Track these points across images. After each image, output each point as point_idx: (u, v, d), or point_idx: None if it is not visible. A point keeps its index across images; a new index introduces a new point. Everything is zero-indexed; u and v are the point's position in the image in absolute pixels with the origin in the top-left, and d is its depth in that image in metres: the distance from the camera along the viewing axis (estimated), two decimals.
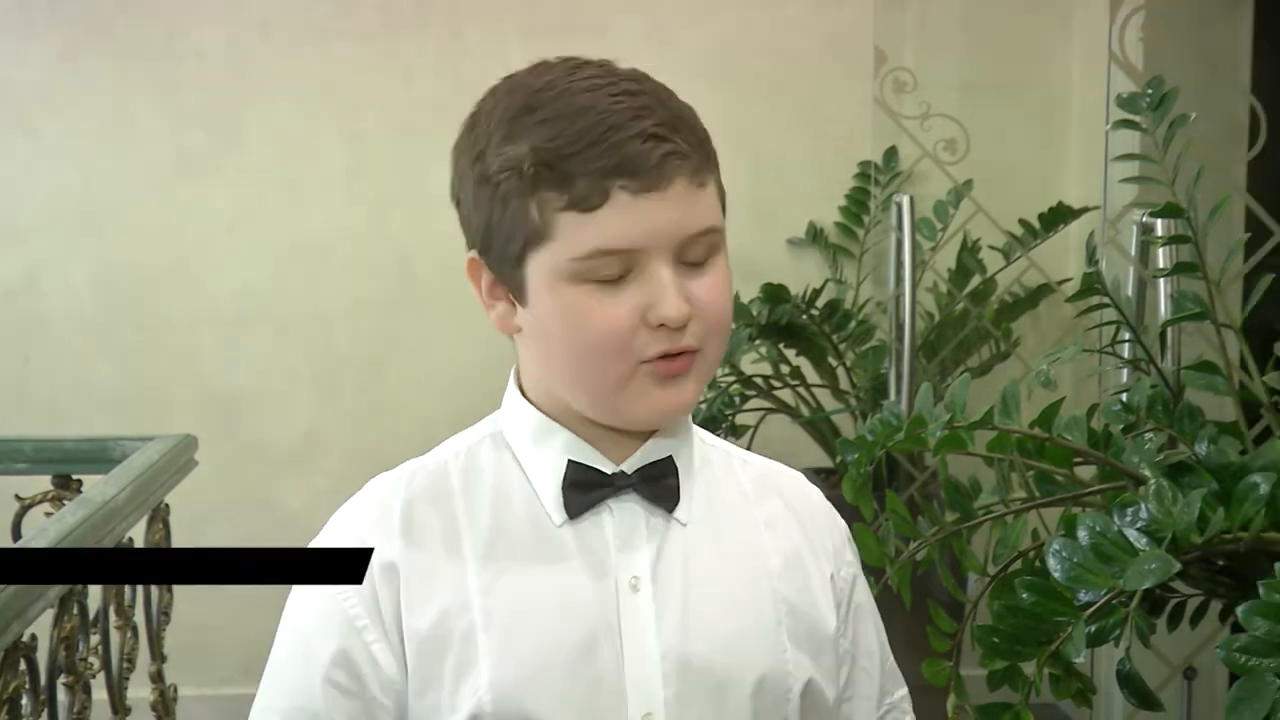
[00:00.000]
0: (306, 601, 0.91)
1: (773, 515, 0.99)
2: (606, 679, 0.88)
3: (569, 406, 0.92)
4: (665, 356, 0.86)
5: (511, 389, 0.96)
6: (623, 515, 0.92)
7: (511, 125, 0.85)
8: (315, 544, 0.94)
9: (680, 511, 0.94)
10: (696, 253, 0.87)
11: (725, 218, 0.93)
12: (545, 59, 0.90)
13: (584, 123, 0.83)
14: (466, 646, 0.87)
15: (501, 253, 0.88)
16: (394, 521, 0.91)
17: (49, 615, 1.97)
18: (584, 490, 0.91)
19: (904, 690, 1.06)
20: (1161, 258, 2.06)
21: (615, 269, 0.85)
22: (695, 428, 1.00)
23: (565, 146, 0.83)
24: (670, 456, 0.94)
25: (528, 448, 0.93)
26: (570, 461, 0.92)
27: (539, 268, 0.86)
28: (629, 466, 0.93)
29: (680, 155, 0.84)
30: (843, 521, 1.05)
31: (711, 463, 0.99)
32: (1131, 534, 1.18)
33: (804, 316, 2.89)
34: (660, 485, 0.93)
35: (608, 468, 0.92)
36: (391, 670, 0.88)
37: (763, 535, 0.97)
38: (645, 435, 0.93)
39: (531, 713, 0.86)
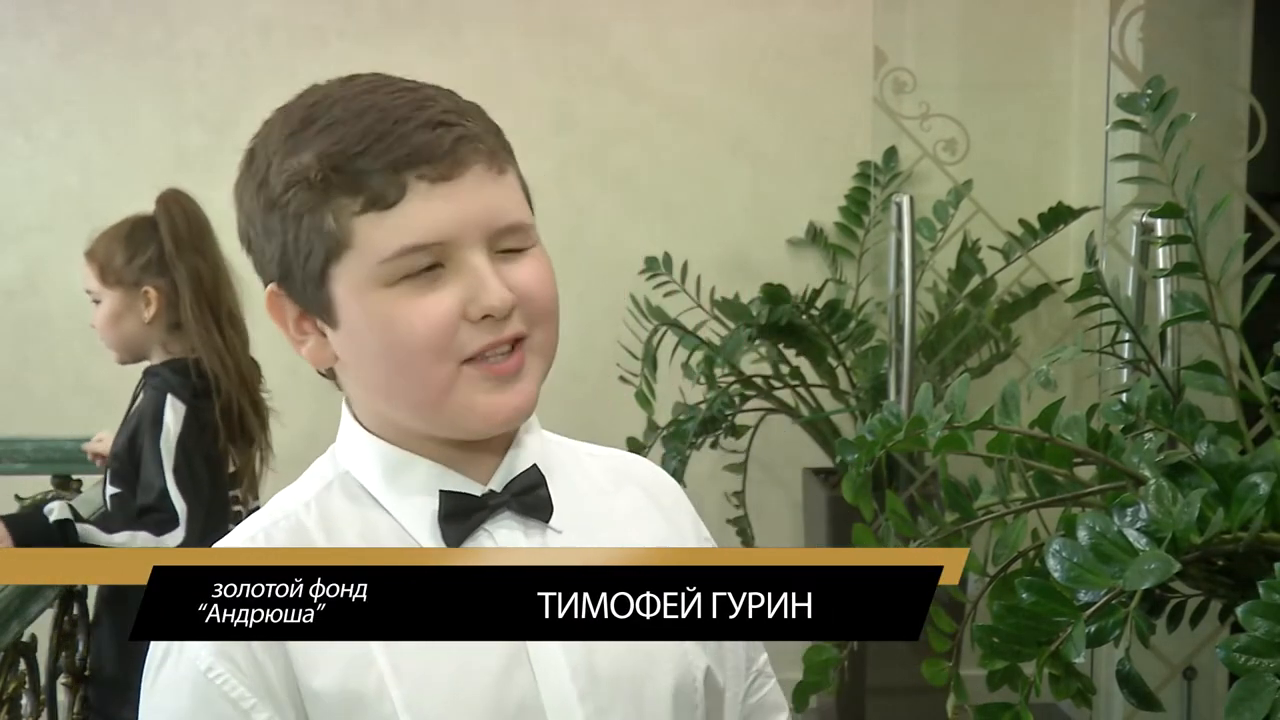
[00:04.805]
0: (172, 693, 0.82)
1: (635, 506, 0.97)
2: (526, 707, 0.85)
3: (414, 430, 0.87)
4: (491, 357, 0.83)
5: (349, 426, 0.90)
6: (500, 535, 0.88)
7: (291, 142, 0.82)
8: None
9: (556, 519, 0.90)
10: (509, 243, 0.84)
11: (533, 213, 0.89)
12: (315, 82, 0.87)
13: (368, 120, 0.80)
14: (381, 703, 0.81)
15: (302, 275, 0.83)
16: None
17: (49, 615, 1.98)
18: (460, 519, 0.86)
19: (765, 655, 1.04)
20: (1161, 258, 2.06)
21: (426, 263, 0.81)
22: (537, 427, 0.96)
23: (352, 145, 0.79)
24: (535, 465, 0.90)
25: (384, 488, 0.87)
26: (441, 492, 0.87)
27: (344, 281, 0.82)
28: (497, 484, 0.89)
29: (473, 138, 0.81)
30: (684, 495, 1.03)
31: (563, 462, 0.96)
32: (1131, 534, 1.18)
33: (804, 316, 2.89)
34: (533, 497, 0.89)
35: (476, 490, 0.88)
36: None
37: (629, 529, 0.95)
38: (502, 447, 0.90)
39: None
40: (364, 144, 0.79)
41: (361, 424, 0.89)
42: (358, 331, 0.83)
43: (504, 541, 0.88)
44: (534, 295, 0.84)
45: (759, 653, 1.04)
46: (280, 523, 0.87)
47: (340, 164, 0.80)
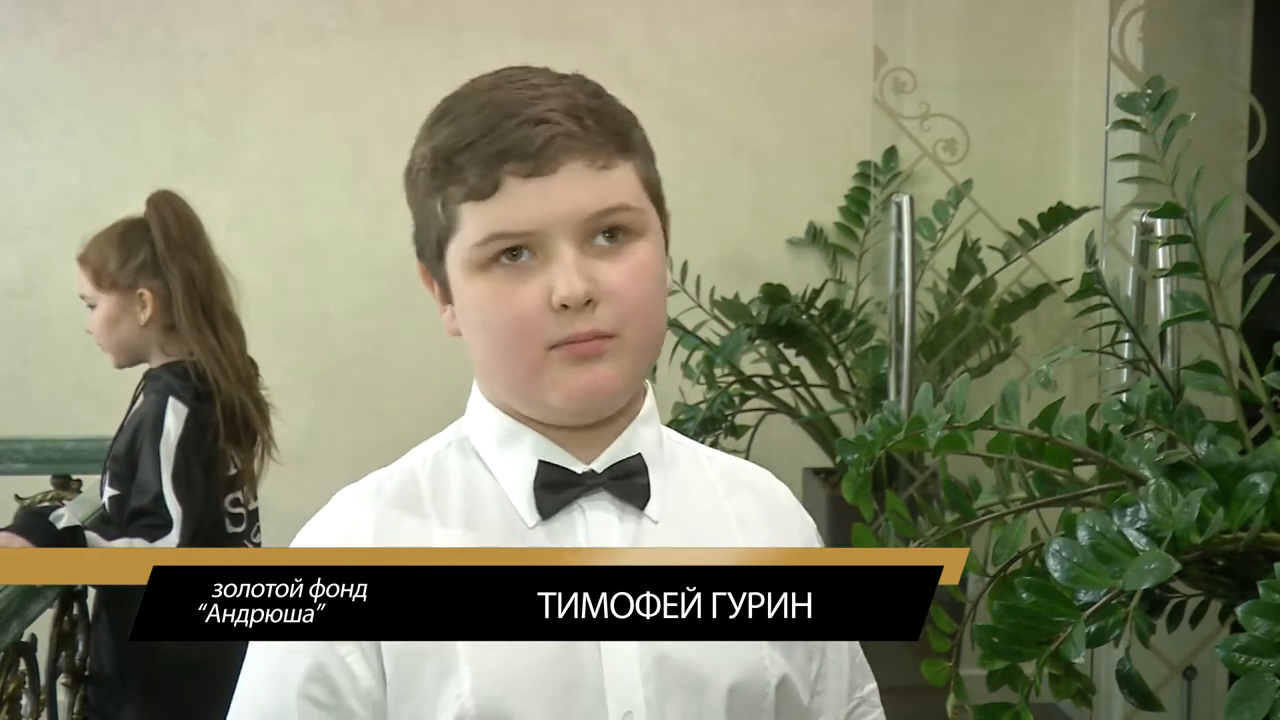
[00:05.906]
0: None
1: (744, 512, 0.99)
2: (586, 679, 0.88)
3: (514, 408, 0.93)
4: (574, 341, 0.86)
5: (475, 394, 0.97)
6: (594, 515, 0.92)
7: (428, 131, 0.89)
8: None
9: (652, 508, 0.93)
10: (605, 234, 0.87)
11: (662, 209, 0.95)
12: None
13: (482, 116, 0.86)
14: (446, 653, 0.86)
15: (429, 252, 0.92)
16: (365, 536, 0.90)
17: (49, 615, 1.98)
18: (555, 490, 0.91)
19: (873, 684, 1.06)
20: (1161, 258, 2.06)
21: (507, 247, 0.86)
22: (662, 426, 0.99)
23: (461, 140, 0.86)
24: (639, 454, 0.94)
25: (494, 451, 0.93)
26: (540, 462, 0.92)
27: (453, 262, 0.89)
28: (599, 465, 0.92)
29: (569, 136, 0.85)
30: (810, 519, 1.05)
31: (679, 460, 0.99)
32: (1131, 534, 1.18)
33: (804, 316, 2.89)
34: (631, 483, 0.92)
35: (577, 467, 0.92)
36: (368, 681, 0.87)
37: (734, 532, 0.97)
38: (612, 436, 0.93)
39: (513, 716, 0.86)
40: (470, 138, 0.85)
41: (483, 393, 0.96)
42: (464, 309, 0.90)
43: (596, 520, 0.92)
44: (619, 292, 0.87)
45: (866, 680, 1.06)
46: (396, 474, 0.94)
47: (449, 156, 0.86)
